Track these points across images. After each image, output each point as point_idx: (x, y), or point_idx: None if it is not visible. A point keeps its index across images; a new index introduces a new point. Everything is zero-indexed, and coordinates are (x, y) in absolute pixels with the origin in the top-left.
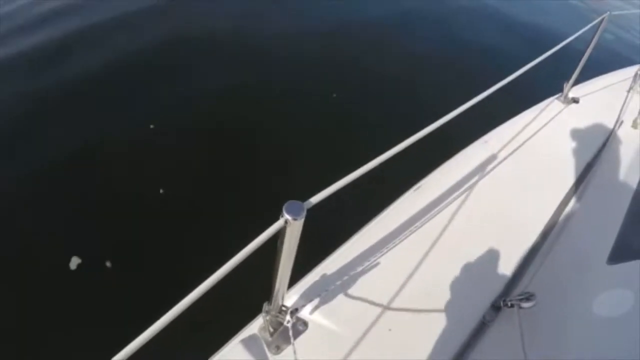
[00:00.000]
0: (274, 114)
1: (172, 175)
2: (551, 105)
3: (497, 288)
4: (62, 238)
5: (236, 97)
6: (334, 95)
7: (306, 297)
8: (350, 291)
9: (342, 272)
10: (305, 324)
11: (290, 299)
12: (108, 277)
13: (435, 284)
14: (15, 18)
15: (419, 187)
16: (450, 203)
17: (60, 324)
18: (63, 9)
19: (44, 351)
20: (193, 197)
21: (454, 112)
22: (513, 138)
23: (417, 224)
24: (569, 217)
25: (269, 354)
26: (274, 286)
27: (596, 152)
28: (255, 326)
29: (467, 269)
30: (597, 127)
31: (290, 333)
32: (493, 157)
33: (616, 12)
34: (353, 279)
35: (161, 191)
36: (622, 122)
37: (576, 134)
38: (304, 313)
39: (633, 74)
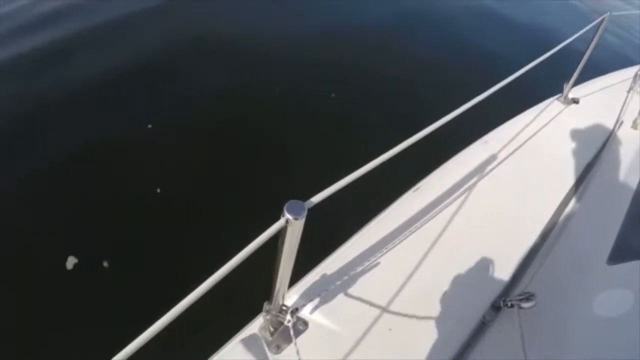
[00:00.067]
0: (274, 114)
1: (171, 175)
2: (551, 106)
3: (497, 288)
4: (62, 238)
5: (236, 97)
6: (333, 95)
7: (306, 297)
8: (351, 291)
9: (342, 272)
10: (305, 323)
11: (290, 298)
12: (107, 277)
13: (435, 284)
14: (15, 18)
15: (419, 187)
16: (450, 203)
17: (60, 324)
18: (62, 9)
19: (43, 351)
20: (193, 197)
21: (454, 112)
22: (513, 138)
23: (417, 224)
24: (569, 217)
25: (269, 354)
26: (275, 286)
27: (596, 152)
28: (255, 326)
29: (467, 269)
30: (597, 128)
31: (292, 332)
32: (493, 158)
33: (616, 13)
34: (353, 279)
35: (158, 190)
36: (622, 122)
37: (576, 134)
38: (304, 313)
39: (633, 74)
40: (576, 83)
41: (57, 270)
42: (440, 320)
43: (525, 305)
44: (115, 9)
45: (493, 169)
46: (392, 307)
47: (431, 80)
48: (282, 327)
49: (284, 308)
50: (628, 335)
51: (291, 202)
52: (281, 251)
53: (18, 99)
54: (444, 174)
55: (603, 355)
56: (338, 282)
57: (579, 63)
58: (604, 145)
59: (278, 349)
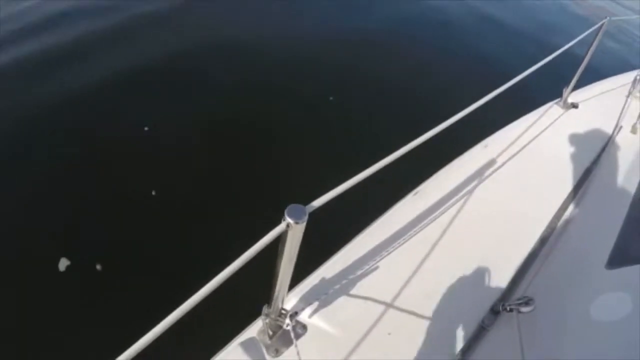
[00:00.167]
0: (275, 116)
1: (169, 178)
2: (550, 110)
3: (496, 292)
4: (57, 239)
5: (235, 100)
6: (331, 98)
7: (305, 301)
8: (350, 295)
9: (342, 276)
10: (304, 327)
11: (289, 302)
12: (101, 279)
13: (434, 288)
14: (15, 21)
15: (419, 191)
16: (449, 207)
17: (59, 324)
18: (61, 12)
19: (43, 351)
20: (190, 200)
21: (455, 117)
22: (512, 143)
23: (417, 228)
24: (568, 221)
25: (267, 357)
26: (274, 289)
27: (595, 157)
28: (254, 329)
29: (466, 273)
30: (596, 132)
31: (292, 336)
32: (492, 162)
33: (616, 18)
34: (352, 283)
35: (153, 193)
36: (621, 127)
37: (575, 138)
38: (303, 316)
39: (632, 79)
40: (575, 87)
41: (54, 270)
42: (439, 325)
43: (524, 309)
44: (114, 13)
45: (492, 173)
46: (391, 311)
47: (431, 83)
48: (281, 331)
49: (283, 312)
50: (626, 339)
51: (292, 206)
52: (281, 255)
53: (18, 100)
54: (444, 178)
55: (602, 359)
56: (337, 286)
57: (578, 67)
58: (603, 149)
59: (277, 352)
